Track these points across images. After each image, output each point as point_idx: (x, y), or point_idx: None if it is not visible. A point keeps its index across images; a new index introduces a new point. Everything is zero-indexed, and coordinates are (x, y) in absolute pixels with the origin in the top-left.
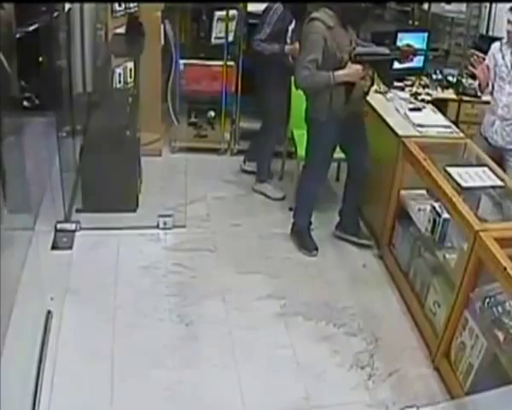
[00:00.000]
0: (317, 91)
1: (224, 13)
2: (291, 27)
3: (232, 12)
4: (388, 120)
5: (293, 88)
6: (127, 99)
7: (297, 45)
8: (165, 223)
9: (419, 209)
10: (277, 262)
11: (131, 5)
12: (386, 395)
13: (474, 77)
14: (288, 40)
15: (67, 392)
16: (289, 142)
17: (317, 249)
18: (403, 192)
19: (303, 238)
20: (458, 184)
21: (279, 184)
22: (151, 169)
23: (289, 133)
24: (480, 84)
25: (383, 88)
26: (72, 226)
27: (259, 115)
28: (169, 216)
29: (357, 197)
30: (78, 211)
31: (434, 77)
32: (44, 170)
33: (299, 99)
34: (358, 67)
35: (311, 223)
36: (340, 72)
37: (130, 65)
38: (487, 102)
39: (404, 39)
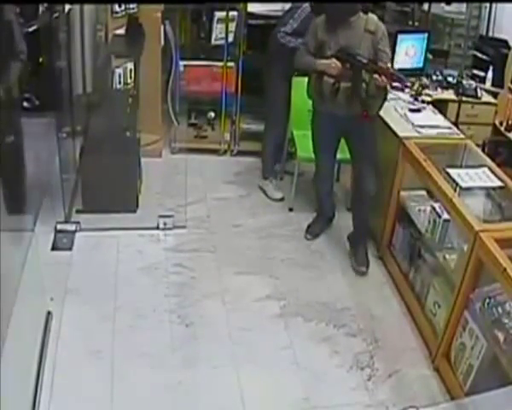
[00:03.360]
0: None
1: (223, 14)
2: None
3: (232, 13)
4: (388, 120)
5: (293, 89)
6: (127, 100)
7: None
8: (165, 224)
9: (419, 210)
10: (277, 263)
11: (131, 6)
12: (386, 396)
13: (473, 77)
14: None
15: (67, 392)
16: (289, 142)
17: (312, 235)
18: (403, 193)
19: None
20: (458, 185)
21: (280, 184)
22: (151, 170)
23: (289, 133)
24: None
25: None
26: (72, 227)
27: (265, 111)
28: (169, 217)
29: (359, 217)
30: (78, 212)
31: (434, 78)
32: (44, 171)
33: (299, 99)
34: (335, 61)
35: (333, 215)
36: (321, 61)
37: (131, 66)
38: (487, 103)
39: (404, 40)
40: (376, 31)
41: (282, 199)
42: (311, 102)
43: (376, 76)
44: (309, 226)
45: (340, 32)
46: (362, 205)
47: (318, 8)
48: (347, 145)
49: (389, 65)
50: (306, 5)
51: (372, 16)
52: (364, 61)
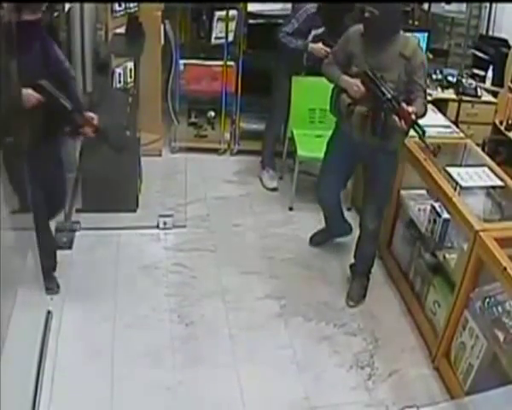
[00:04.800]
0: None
1: (223, 13)
2: (315, 31)
3: (232, 12)
4: None
5: (293, 88)
6: (127, 99)
7: (320, 45)
8: (165, 223)
9: (419, 209)
10: (277, 262)
11: (131, 5)
12: (386, 395)
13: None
14: (309, 43)
15: (67, 392)
16: (289, 141)
17: (314, 245)
18: (403, 192)
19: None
20: (458, 184)
21: (280, 183)
22: (151, 169)
23: (289, 133)
24: None
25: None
26: (72, 226)
27: (268, 106)
28: (169, 216)
29: (360, 251)
30: (78, 211)
31: (434, 77)
32: None
33: (299, 99)
34: (358, 83)
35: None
36: (345, 77)
37: (130, 65)
38: (487, 103)
39: None
40: (412, 57)
41: (275, 189)
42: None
43: (396, 118)
44: (314, 235)
45: (371, 49)
46: (363, 240)
47: (323, 14)
48: (363, 177)
49: (411, 109)
50: (311, 6)
51: (412, 40)
52: (389, 96)
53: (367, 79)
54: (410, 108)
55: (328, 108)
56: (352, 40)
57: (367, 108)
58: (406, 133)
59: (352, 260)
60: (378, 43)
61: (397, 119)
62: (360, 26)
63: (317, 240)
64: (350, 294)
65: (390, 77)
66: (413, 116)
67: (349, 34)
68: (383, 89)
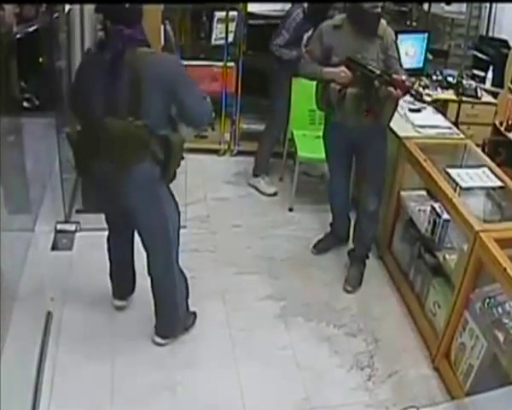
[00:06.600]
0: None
1: (223, 14)
2: (307, 35)
3: (232, 13)
4: None
5: (293, 89)
6: None
7: None
8: None
9: (419, 210)
10: (277, 263)
11: None
12: (386, 396)
13: (473, 77)
14: (303, 48)
15: (67, 392)
16: (289, 142)
17: (318, 251)
18: (403, 193)
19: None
20: (458, 185)
21: (280, 184)
22: None
23: (289, 134)
24: None
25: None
26: (72, 227)
27: (267, 112)
28: None
29: (358, 235)
30: (78, 212)
31: (434, 78)
32: (44, 170)
33: (299, 100)
34: (344, 69)
35: (347, 237)
36: (328, 68)
37: None
38: (487, 103)
39: (404, 40)
40: (384, 35)
41: (275, 194)
42: (321, 112)
43: (391, 89)
44: (319, 241)
45: (350, 37)
46: (363, 223)
47: (311, 15)
48: (356, 162)
49: (404, 77)
50: (297, 12)
51: (381, 22)
52: (378, 72)
53: (352, 63)
54: (404, 76)
55: None
56: (325, 34)
57: (358, 88)
58: (396, 105)
59: (351, 246)
60: (359, 30)
61: (392, 89)
62: (329, 21)
63: (322, 247)
64: (348, 279)
65: (369, 56)
66: (408, 83)
67: (321, 30)
68: (370, 67)
